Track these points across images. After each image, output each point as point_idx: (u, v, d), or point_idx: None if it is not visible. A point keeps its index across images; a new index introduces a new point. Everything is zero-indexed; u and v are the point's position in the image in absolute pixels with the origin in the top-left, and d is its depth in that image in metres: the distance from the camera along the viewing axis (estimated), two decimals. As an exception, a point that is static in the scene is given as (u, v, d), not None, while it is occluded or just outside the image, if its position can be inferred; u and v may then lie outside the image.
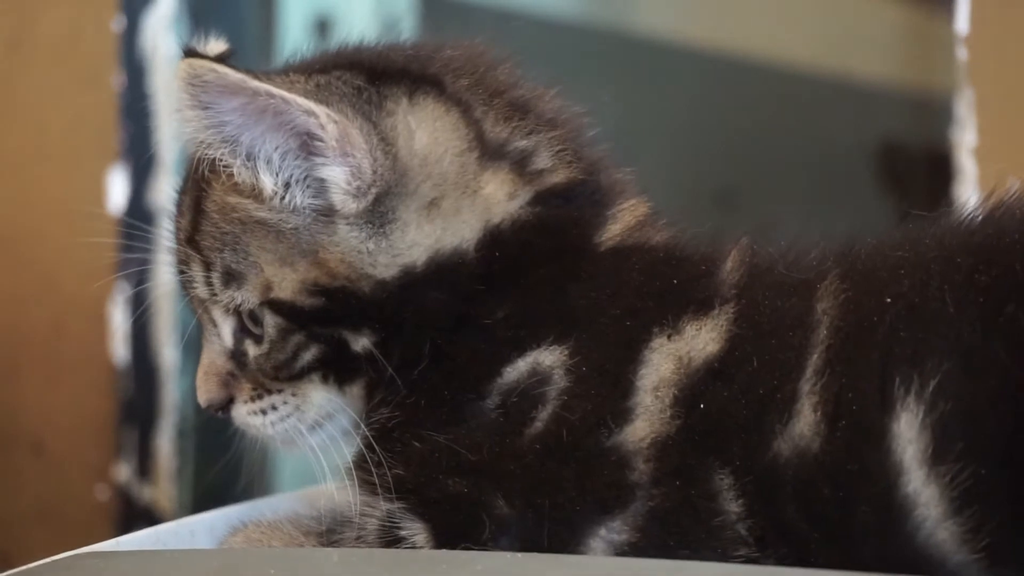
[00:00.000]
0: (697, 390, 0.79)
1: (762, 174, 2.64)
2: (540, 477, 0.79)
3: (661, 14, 2.42)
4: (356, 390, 0.88)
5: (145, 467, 1.50)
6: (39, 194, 1.53)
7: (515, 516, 0.79)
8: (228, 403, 0.90)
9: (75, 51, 1.52)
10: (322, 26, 1.63)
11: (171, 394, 1.49)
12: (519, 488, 0.79)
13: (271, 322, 0.86)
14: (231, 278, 0.86)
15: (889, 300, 0.77)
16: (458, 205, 0.86)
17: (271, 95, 0.82)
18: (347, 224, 0.85)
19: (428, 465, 0.81)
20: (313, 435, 0.88)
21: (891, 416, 0.74)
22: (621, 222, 0.89)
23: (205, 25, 1.50)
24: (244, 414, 0.89)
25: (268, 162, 0.84)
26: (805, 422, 0.76)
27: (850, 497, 0.74)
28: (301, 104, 0.82)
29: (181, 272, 0.90)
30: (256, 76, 0.83)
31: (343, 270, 0.84)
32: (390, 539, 0.81)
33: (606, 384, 0.81)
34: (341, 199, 0.84)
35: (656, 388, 0.80)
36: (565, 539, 0.78)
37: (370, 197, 0.84)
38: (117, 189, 1.48)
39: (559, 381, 0.81)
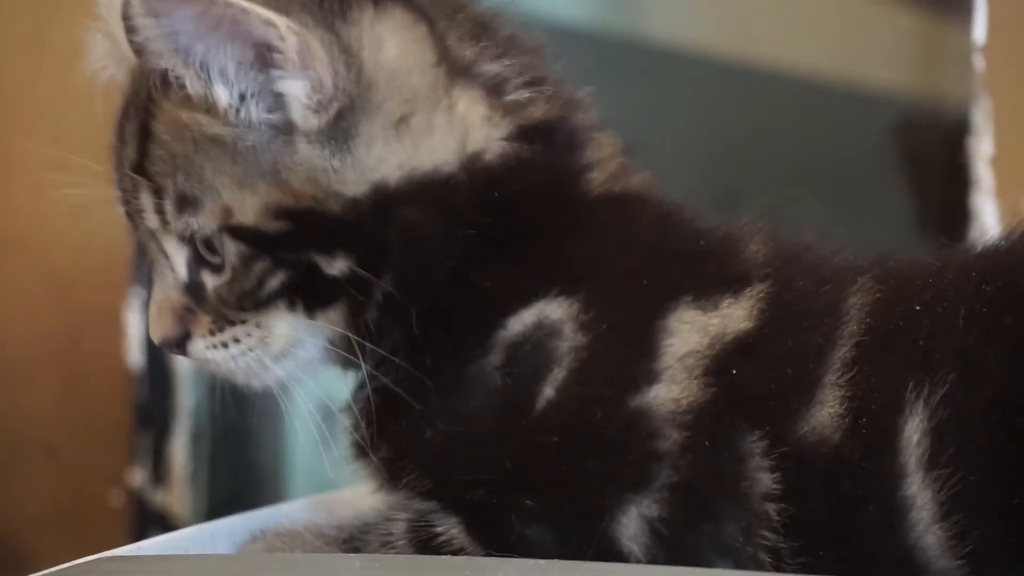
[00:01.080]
0: (730, 361, 0.78)
1: (775, 181, 2.64)
2: (563, 457, 0.77)
3: (674, 21, 2.42)
4: (333, 316, 0.83)
5: (159, 472, 1.50)
6: (56, 200, 1.53)
7: (543, 505, 0.77)
8: (184, 339, 0.85)
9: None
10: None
11: (185, 400, 1.49)
12: (543, 473, 0.77)
13: (232, 250, 0.82)
14: (185, 203, 0.82)
15: (918, 308, 0.78)
16: (430, 122, 0.82)
17: (228, 4, 0.78)
18: (308, 142, 0.80)
19: (443, 459, 0.79)
20: (279, 366, 0.84)
21: (903, 419, 0.75)
22: (603, 166, 0.87)
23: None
24: (202, 349, 0.85)
25: (223, 73, 0.79)
26: (828, 413, 0.77)
27: (863, 495, 0.75)
28: (260, 14, 0.78)
29: (127, 203, 0.85)
30: None
31: (308, 189, 0.80)
32: (424, 538, 0.79)
33: (629, 344, 0.79)
34: (301, 114, 0.80)
35: (686, 356, 0.79)
36: (597, 519, 0.77)
37: (331, 112, 0.80)
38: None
39: (571, 337, 0.79)
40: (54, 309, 1.52)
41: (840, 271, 0.82)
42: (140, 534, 1.50)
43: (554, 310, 0.80)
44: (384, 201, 0.81)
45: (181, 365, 1.49)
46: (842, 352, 0.78)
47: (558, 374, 0.79)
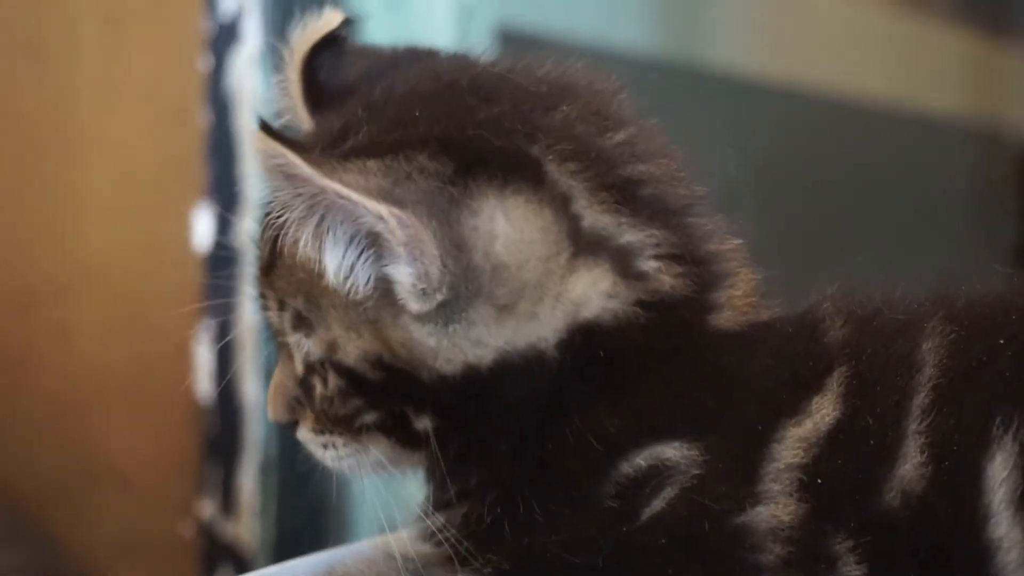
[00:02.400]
0: (820, 463, 0.77)
1: (838, 209, 2.63)
2: (665, 562, 0.76)
3: (737, 49, 2.42)
4: (419, 458, 0.84)
5: (228, 503, 1.51)
6: (127, 231, 1.55)
7: None
8: (294, 424, 0.87)
9: (162, 90, 1.54)
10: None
11: (254, 431, 1.50)
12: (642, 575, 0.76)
13: (333, 381, 0.83)
14: (300, 323, 0.83)
15: (1003, 342, 0.76)
16: (536, 309, 0.80)
17: (339, 195, 0.76)
18: (411, 317, 0.79)
19: (539, 567, 0.78)
20: (375, 472, 0.85)
21: (987, 456, 0.74)
22: (731, 306, 0.83)
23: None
24: (308, 440, 0.86)
25: (334, 247, 0.78)
26: (911, 463, 0.75)
27: (949, 541, 0.74)
28: (370, 208, 0.76)
29: (260, 296, 0.86)
30: (325, 167, 0.77)
31: (404, 354, 0.80)
32: None
33: (737, 470, 0.78)
34: (405, 298, 0.78)
35: (784, 472, 0.77)
36: None
37: (435, 301, 0.78)
38: (203, 226, 1.50)
39: (686, 470, 0.78)
40: (125, 341, 1.54)
41: (909, 320, 0.81)
42: (209, 565, 1.51)
43: (671, 453, 0.78)
44: (474, 381, 0.80)
45: (250, 398, 1.50)
46: (920, 399, 0.76)
47: (669, 493, 0.78)
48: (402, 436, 0.83)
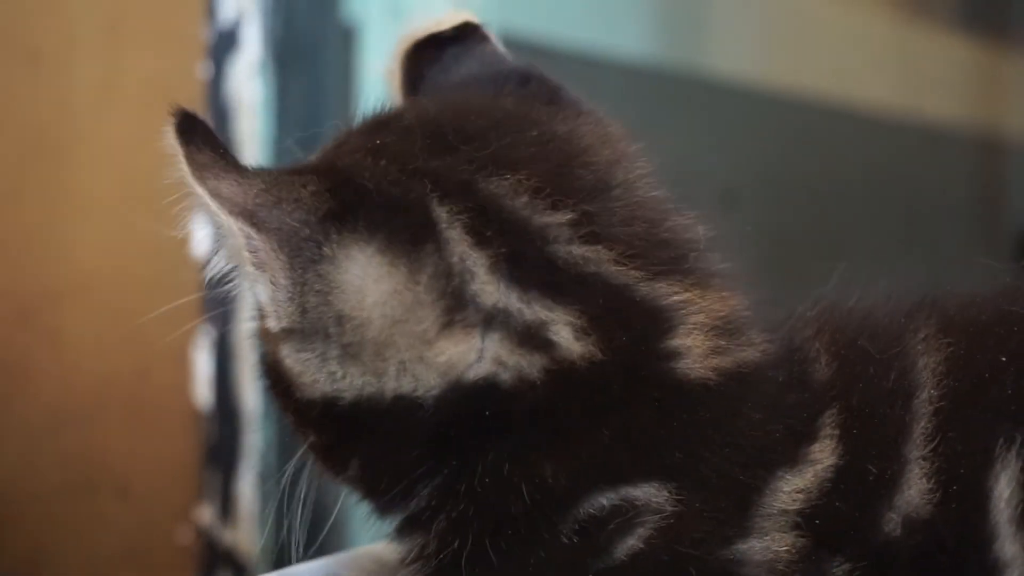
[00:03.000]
0: (818, 507, 0.75)
1: (839, 215, 2.62)
2: None
3: (737, 57, 2.42)
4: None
5: (227, 510, 1.50)
6: (125, 237, 1.55)
7: None
8: None
9: (161, 97, 1.53)
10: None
11: (253, 438, 1.50)
12: None
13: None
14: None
15: (1005, 359, 0.75)
16: (388, 367, 0.75)
17: (204, 201, 0.75)
18: (278, 333, 0.77)
19: None
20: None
21: (992, 476, 0.73)
22: (693, 351, 0.77)
23: (289, 71, 1.52)
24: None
25: (221, 251, 0.78)
26: (916, 489, 0.74)
27: (956, 562, 0.73)
28: (224, 220, 0.74)
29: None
30: (208, 170, 0.75)
31: (280, 367, 0.78)
32: None
33: (722, 515, 0.75)
34: (267, 315, 0.77)
35: (780, 516, 0.75)
36: None
37: (283, 326, 0.76)
38: (202, 233, 1.49)
39: (659, 509, 0.74)
40: (123, 348, 1.54)
41: (899, 335, 0.78)
42: (209, 572, 1.50)
43: (640, 493, 0.74)
44: (336, 413, 0.77)
45: (249, 404, 1.50)
46: (922, 424, 0.75)
47: (644, 532, 0.74)
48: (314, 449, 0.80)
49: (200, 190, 0.75)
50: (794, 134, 2.54)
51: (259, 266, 0.75)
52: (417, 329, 0.75)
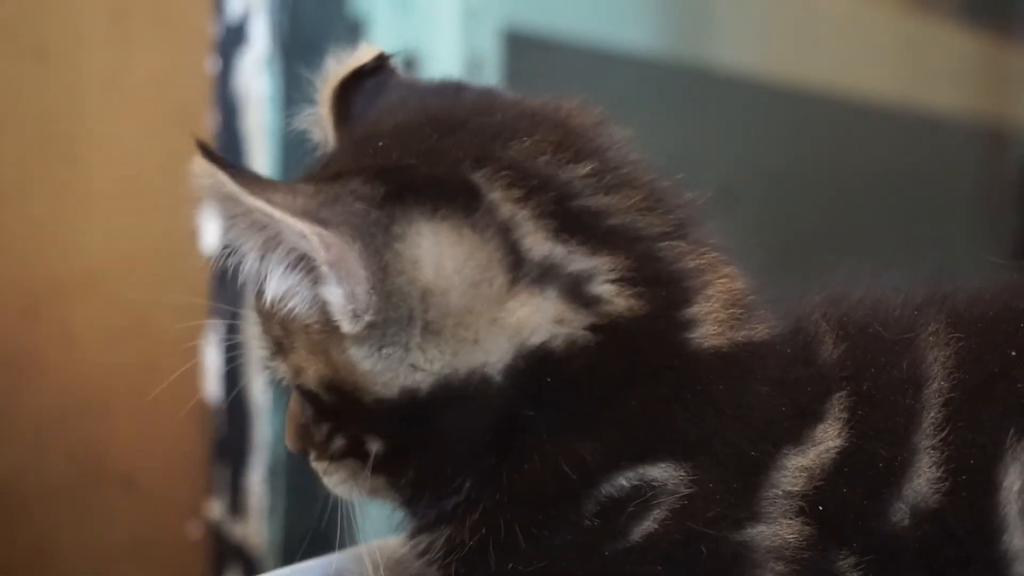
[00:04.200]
0: (823, 491, 0.76)
1: (844, 208, 2.62)
2: None
3: (741, 48, 2.41)
4: (383, 484, 0.83)
5: (237, 505, 1.51)
6: (133, 232, 1.55)
7: None
8: (306, 452, 0.86)
9: (169, 91, 1.54)
10: (409, 63, 1.64)
11: (262, 432, 1.50)
12: None
13: (306, 406, 0.82)
14: (279, 349, 0.82)
15: (1014, 354, 0.76)
16: (469, 335, 0.78)
17: (264, 213, 0.75)
18: (349, 339, 0.78)
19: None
20: (372, 498, 0.84)
21: (1002, 467, 0.73)
22: (711, 320, 0.80)
23: (298, 65, 1.52)
24: (315, 467, 0.85)
25: (273, 270, 0.78)
26: (925, 479, 0.75)
27: (964, 553, 0.73)
28: (292, 225, 0.75)
29: (256, 323, 0.85)
30: (256, 186, 0.76)
31: (348, 377, 0.79)
32: None
33: (730, 494, 0.76)
34: (338, 319, 0.77)
35: (785, 499, 0.77)
36: None
37: (364, 323, 0.77)
38: (210, 227, 1.50)
39: (674, 490, 0.76)
40: (131, 342, 1.54)
41: (909, 328, 0.79)
42: (218, 566, 1.51)
43: (657, 473, 0.77)
44: (415, 405, 0.78)
45: (258, 399, 1.50)
46: (932, 415, 0.76)
47: (659, 514, 0.76)
48: (365, 462, 0.81)
49: (258, 203, 0.75)
50: (799, 126, 2.54)
51: (332, 264, 0.76)
52: (491, 290, 0.77)
